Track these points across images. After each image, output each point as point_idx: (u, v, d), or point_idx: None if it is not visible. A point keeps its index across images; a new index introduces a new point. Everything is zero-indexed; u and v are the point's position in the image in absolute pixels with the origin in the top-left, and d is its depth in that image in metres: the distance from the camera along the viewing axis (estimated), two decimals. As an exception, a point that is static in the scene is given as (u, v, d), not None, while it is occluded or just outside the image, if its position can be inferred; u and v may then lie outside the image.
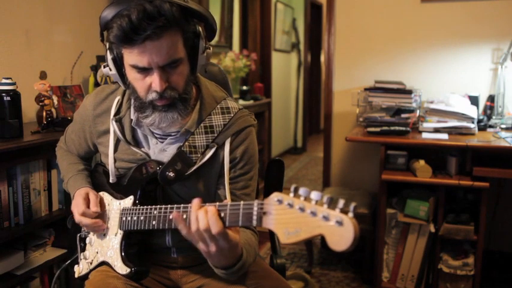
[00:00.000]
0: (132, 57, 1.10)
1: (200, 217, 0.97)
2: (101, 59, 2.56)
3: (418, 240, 2.45)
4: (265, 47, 5.34)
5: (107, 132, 1.30)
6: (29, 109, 2.24)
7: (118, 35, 1.07)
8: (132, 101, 1.24)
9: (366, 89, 2.70)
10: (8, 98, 1.83)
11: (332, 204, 0.79)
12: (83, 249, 1.36)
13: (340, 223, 0.76)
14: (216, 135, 1.23)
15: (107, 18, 1.11)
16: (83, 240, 1.37)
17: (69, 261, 1.42)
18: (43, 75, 2.12)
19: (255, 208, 0.90)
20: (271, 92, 5.37)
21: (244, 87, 4.04)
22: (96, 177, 1.40)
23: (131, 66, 1.12)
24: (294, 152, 6.60)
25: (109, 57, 1.16)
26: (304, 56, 6.84)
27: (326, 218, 0.77)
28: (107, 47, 1.16)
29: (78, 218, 1.25)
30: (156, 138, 1.26)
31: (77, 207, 1.26)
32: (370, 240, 2.69)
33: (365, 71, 2.99)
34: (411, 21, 2.88)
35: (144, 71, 1.11)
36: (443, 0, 2.79)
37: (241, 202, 0.93)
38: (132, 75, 1.15)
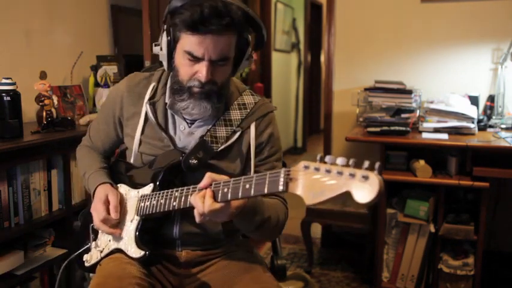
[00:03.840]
0: (189, 44, 1.18)
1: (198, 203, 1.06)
2: (101, 59, 2.56)
3: (418, 240, 2.45)
4: (265, 47, 5.34)
5: (136, 114, 1.35)
6: (29, 109, 2.24)
7: (186, 20, 1.15)
8: (169, 83, 1.31)
9: (366, 89, 2.69)
10: (8, 98, 1.83)
11: (357, 165, 0.83)
12: (95, 239, 1.38)
13: (366, 177, 0.80)
14: (234, 128, 1.30)
15: (177, 4, 1.19)
16: (95, 230, 1.39)
17: (75, 254, 1.43)
18: (43, 75, 2.12)
19: (282, 175, 0.93)
20: (271, 92, 5.37)
21: (244, 87, 4.04)
22: (116, 172, 1.43)
23: (185, 51, 1.19)
24: (294, 152, 6.59)
25: (164, 38, 1.23)
26: (304, 56, 6.84)
27: (352, 175, 0.81)
28: (165, 28, 1.23)
29: (98, 224, 1.28)
30: (186, 122, 1.32)
31: (97, 213, 1.28)
32: (370, 240, 2.69)
33: (365, 71, 2.99)
34: (411, 21, 2.87)
35: (195, 59, 1.19)
36: (443, 0, 2.79)
37: (268, 172, 0.97)
38: (181, 60, 1.22)
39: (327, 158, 0.86)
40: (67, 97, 2.41)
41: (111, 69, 2.54)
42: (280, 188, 0.92)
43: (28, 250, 2.01)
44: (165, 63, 1.28)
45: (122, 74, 2.55)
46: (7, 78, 1.85)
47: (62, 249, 2.11)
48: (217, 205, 1.05)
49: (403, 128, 2.44)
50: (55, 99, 2.18)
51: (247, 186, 0.99)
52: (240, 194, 1.00)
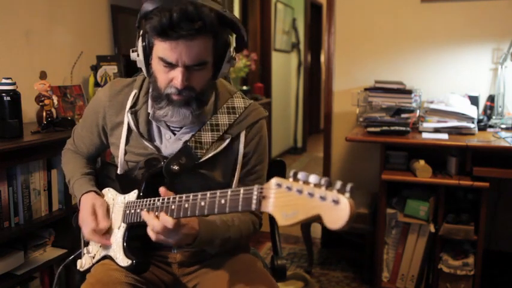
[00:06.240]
0: (162, 50, 1.14)
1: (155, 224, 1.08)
2: (101, 59, 2.56)
3: (418, 240, 2.45)
4: (265, 47, 5.34)
5: (120, 123, 1.32)
6: (29, 109, 2.24)
7: (155, 27, 1.11)
8: (150, 90, 1.27)
9: (366, 89, 2.69)
10: (8, 98, 1.83)
11: (330, 186, 0.79)
12: (87, 244, 1.38)
13: (336, 202, 0.76)
14: (221, 133, 1.27)
15: (148, 8, 1.16)
16: None
17: (72, 256, 1.43)
18: (43, 75, 2.12)
19: (255, 193, 0.91)
20: (271, 92, 5.37)
21: (244, 87, 4.05)
22: (103, 175, 1.42)
23: (159, 58, 1.16)
24: (294, 152, 6.60)
25: (140, 44, 1.20)
26: (304, 56, 6.84)
27: (323, 198, 0.78)
28: (140, 33, 1.20)
29: (88, 235, 1.27)
30: (171, 131, 1.29)
31: (86, 225, 1.27)
32: (370, 240, 2.69)
33: (365, 71, 2.99)
34: (411, 21, 2.87)
35: (170, 65, 1.16)
36: (443, 0, 2.79)
37: (242, 188, 0.95)
38: (157, 66, 1.19)
39: (300, 175, 0.83)
40: (67, 97, 2.40)
41: (111, 69, 2.54)
42: (253, 207, 0.90)
43: (28, 250, 2.01)
44: (143, 70, 1.24)
45: (122, 74, 2.55)
46: (7, 78, 1.85)
47: (62, 249, 2.11)
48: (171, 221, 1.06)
49: (403, 128, 2.44)
50: (55, 99, 2.18)
51: (223, 201, 0.98)
52: (216, 210, 0.99)
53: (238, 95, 1.35)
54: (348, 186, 0.77)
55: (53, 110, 2.13)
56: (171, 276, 1.34)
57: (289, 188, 0.84)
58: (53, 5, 2.45)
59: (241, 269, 1.28)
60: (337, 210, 0.76)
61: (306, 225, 2.83)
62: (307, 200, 0.80)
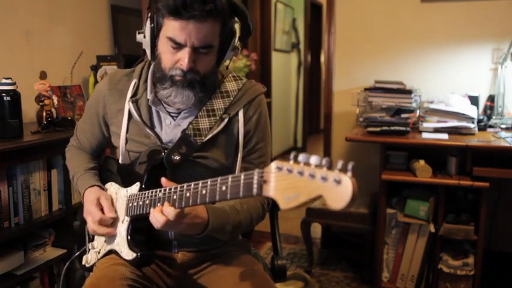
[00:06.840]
0: (172, 30, 1.16)
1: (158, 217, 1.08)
2: (101, 59, 2.56)
3: (418, 240, 2.45)
4: (265, 47, 5.34)
5: (120, 111, 1.33)
6: (29, 109, 2.24)
7: (169, 5, 1.13)
8: (152, 71, 1.29)
9: (366, 89, 2.69)
10: (8, 98, 1.83)
11: (331, 166, 0.78)
12: (91, 240, 1.37)
13: (338, 181, 0.75)
14: (218, 118, 1.28)
15: None
16: None
17: (78, 252, 1.43)
18: (43, 75, 2.12)
19: (256, 177, 0.90)
20: (271, 92, 5.37)
21: (244, 87, 4.03)
22: (106, 170, 1.42)
23: (168, 38, 1.18)
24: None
25: (148, 25, 1.22)
26: (304, 56, 6.84)
27: (324, 179, 0.77)
28: (149, 15, 1.22)
29: (93, 226, 1.26)
30: (171, 116, 1.30)
31: (92, 215, 1.26)
32: (370, 240, 2.69)
33: (365, 71, 2.99)
34: (411, 21, 2.87)
35: (178, 46, 1.18)
36: (443, 0, 2.79)
37: (243, 173, 0.94)
38: (164, 47, 1.20)
39: (301, 157, 0.82)
40: (67, 97, 2.41)
41: (111, 69, 2.54)
42: (255, 191, 0.90)
43: (28, 250, 2.01)
44: (148, 51, 1.25)
45: (122, 74, 2.55)
46: (7, 78, 1.85)
47: (62, 249, 2.11)
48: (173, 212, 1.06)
49: (403, 128, 2.44)
50: (55, 99, 2.18)
51: (224, 188, 0.97)
52: (217, 197, 0.99)
53: (230, 78, 1.35)
54: (350, 165, 0.76)
55: (53, 110, 2.13)
56: (173, 279, 1.33)
57: (289, 171, 0.83)
58: (53, 5, 2.45)
59: (241, 272, 1.28)
60: (339, 189, 0.75)
61: (306, 225, 2.83)
62: (308, 181, 0.79)
